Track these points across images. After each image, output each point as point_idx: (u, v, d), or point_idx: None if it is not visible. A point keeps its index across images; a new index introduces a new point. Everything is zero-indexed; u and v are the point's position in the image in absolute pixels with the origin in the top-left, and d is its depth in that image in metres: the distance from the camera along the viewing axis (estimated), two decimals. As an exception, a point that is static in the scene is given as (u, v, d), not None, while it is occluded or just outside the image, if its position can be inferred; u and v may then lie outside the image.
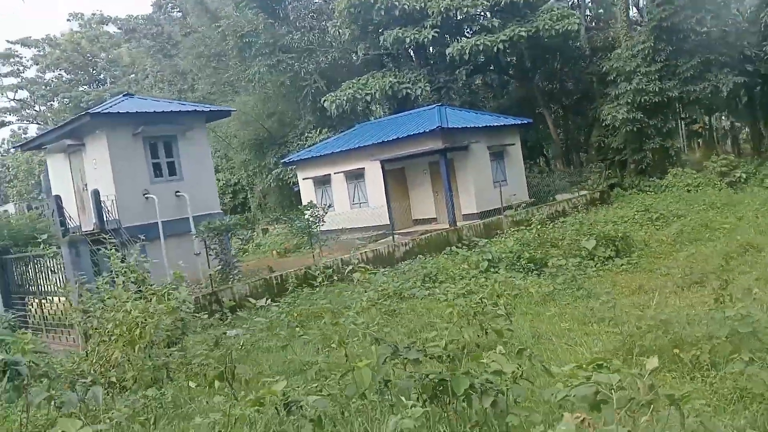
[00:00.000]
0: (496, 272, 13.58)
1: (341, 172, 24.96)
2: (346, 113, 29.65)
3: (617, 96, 26.55)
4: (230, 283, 14.31)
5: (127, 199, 17.35)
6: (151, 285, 7.60)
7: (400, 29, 25.63)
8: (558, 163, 31.38)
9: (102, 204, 16.58)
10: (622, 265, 13.58)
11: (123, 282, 7.56)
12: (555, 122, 31.19)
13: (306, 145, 31.88)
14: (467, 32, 28.68)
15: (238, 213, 35.46)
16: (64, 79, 61.31)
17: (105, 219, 16.62)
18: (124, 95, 19.60)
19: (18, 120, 63.35)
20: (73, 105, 56.38)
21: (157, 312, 6.67)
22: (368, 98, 26.53)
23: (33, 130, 64.21)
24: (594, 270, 13.20)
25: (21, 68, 60.85)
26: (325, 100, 27.69)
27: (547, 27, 25.12)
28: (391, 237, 21.90)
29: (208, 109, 19.88)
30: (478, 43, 24.39)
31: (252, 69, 31.21)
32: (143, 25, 46.54)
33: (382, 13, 25.74)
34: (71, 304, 9.48)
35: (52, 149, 18.70)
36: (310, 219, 17.64)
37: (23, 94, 61.16)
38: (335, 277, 14.82)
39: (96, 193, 16.55)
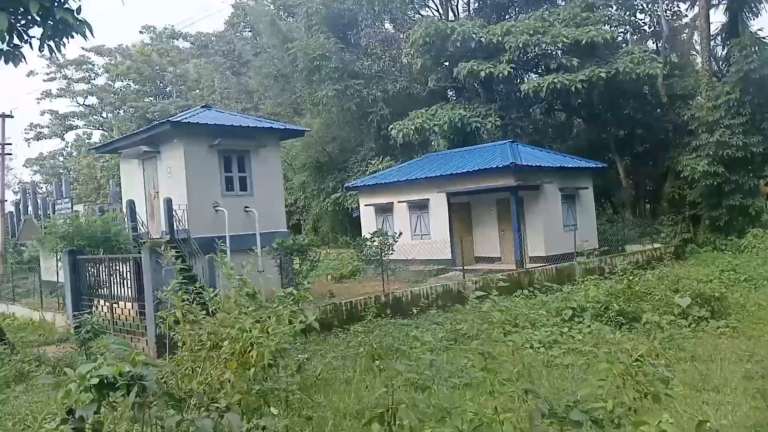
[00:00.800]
0: (581, 322, 12.76)
1: (405, 201, 24.46)
2: (410, 143, 29.37)
3: (697, 147, 25.47)
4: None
5: (198, 210, 17.20)
6: (262, 301, 7.10)
7: (475, 62, 25.28)
8: (626, 213, 30.19)
9: (174, 213, 16.44)
10: (718, 327, 12.53)
11: (235, 295, 7.08)
12: (625, 169, 30.13)
13: (367, 172, 31.67)
14: (540, 70, 28.19)
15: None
16: (131, 89, 63.38)
17: (175, 228, 16.46)
18: (202, 107, 19.68)
19: (85, 125, 65.55)
20: (139, 115, 58.10)
21: (278, 333, 6.17)
22: (436, 129, 26.08)
23: (96, 137, 66.46)
24: (690, 330, 12.21)
25: (92, 75, 63.20)
26: (392, 128, 27.44)
27: (627, 70, 24.38)
28: (452, 272, 21.22)
29: (284, 127, 19.77)
30: (556, 81, 23.80)
31: (320, 92, 31.33)
32: (215, 42, 47.73)
33: (458, 45, 25.47)
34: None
35: (127, 154, 18.80)
36: (380, 246, 17.10)
37: (92, 100, 63.38)
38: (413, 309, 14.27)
39: (169, 202, 16.43)
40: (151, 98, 63.00)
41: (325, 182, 35.61)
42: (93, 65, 62.37)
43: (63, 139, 65.39)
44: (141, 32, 64.06)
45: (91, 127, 65.79)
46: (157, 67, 62.95)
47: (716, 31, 31.09)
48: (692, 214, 27.77)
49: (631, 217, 30.33)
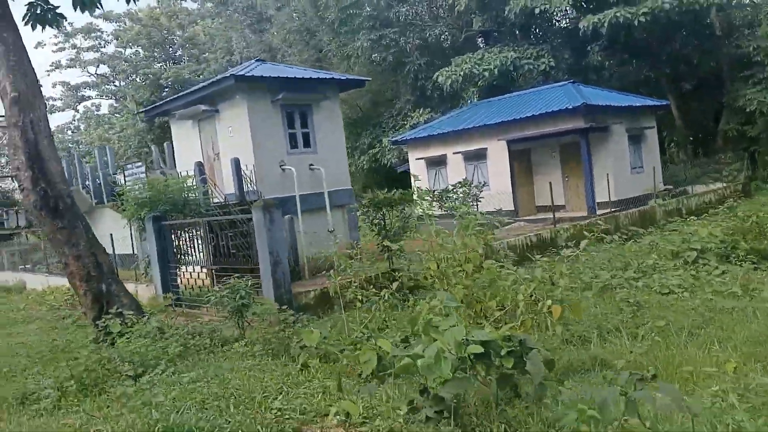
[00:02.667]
0: (706, 264, 11.91)
1: (459, 152, 23.42)
2: (447, 94, 28.09)
3: (761, 80, 24.15)
4: (391, 261, 13.00)
5: (265, 169, 16.29)
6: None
7: (529, -1, 23.76)
8: (681, 152, 29.03)
9: (242, 173, 15.56)
10: None
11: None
12: (678, 108, 28.82)
13: (407, 126, 30.52)
14: (594, 5, 26.38)
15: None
16: (141, 56, 61.58)
17: (245, 189, 15.61)
18: (256, 60, 18.52)
19: (97, 95, 64.16)
20: (151, 81, 56.63)
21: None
22: (486, 73, 24.78)
23: (105, 107, 65.13)
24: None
25: (101, 43, 61.38)
26: (438, 76, 26.16)
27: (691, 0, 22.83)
28: (517, 223, 20.36)
29: (345, 78, 18.64)
30: (618, 15, 22.34)
31: (353, 44, 29.92)
32: (235, -2, 45.87)
33: (510, -20, 23.93)
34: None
35: (182, 115, 17.77)
36: (466, 197, 16.19)
37: (103, 69, 61.78)
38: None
39: (237, 162, 15.53)
40: (161, 64, 61.31)
41: (360, 139, 34.46)
42: (102, 32, 60.55)
43: (77, 111, 64.13)
44: (147, -6, 61.85)
45: (104, 97, 64.38)
46: (165, 31, 61.03)
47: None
48: (753, 150, 26.65)
49: (686, 157, 29.22)
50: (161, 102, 18.96)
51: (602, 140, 20.96)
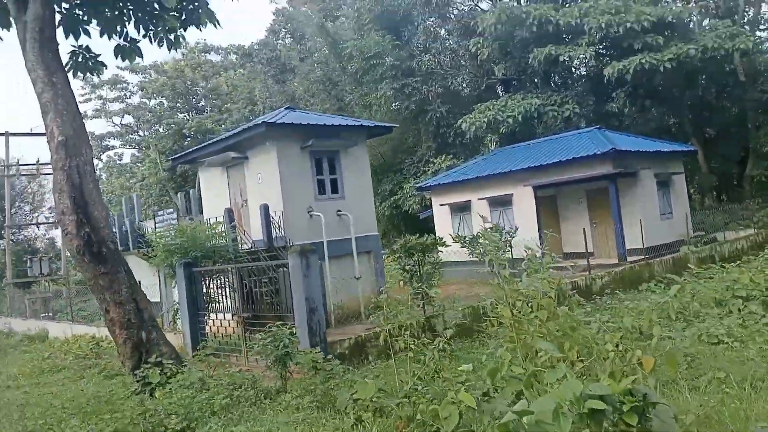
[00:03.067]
0: (751, 312, 11.45)
1: (485, 198, 23.28)
2: (473, 139, 28.21)
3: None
4: (424, 308, 12.71)
5: (293, 215, 16.22)
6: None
7: (552, 46, 24.02)
8: (706, 198, 28.65)
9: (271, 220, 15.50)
10: None
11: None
12: (703, 153, 28.60)
13: (428, 172, 30.60)
14: (618, 52, 26.61)
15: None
16: (164, 106, 63.08)
17: (273, 235, 15.52)
18: (286, 108, 18.75)
19: (121, 145, 65.52)
20: (174, 131, 57.89)
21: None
22: (510, 120, 24.87)
23: (127, 157, 66.40)
24: None
25: (127, 94, 63.08)
26: (461, 122, 26.29)
27: (716, 46, 22.91)
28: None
29: (373, 125, 18.73)
30: (643, 61, 22.44)
31: (374, 93, 30.35)
32: (258, 50, 47.07)
33: (534, 29, 24.23)
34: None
35: (212, 162, 17.89)
36: (495, 243, 15.88)
37: (127, 119, 63.25)
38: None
39: (266, 208, 15.50)
40: (183, 114, 62.74)
41: (381, 185, 34.56)
42: (127, 84, 62.33)
43: (101, 161, 65.39)
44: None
45: (128, 146, 65.74)
46: (189, 82, 62.66)
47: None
48: (783, 196, 26.23)
49: (712, 203, 28.82)
50: (190, 150, 19.17)
51: (631, 186, 20.73)
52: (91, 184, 8.96)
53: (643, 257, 19.62)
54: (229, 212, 15.67)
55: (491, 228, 17.19)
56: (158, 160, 58.64)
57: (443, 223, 25.12)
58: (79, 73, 10.99)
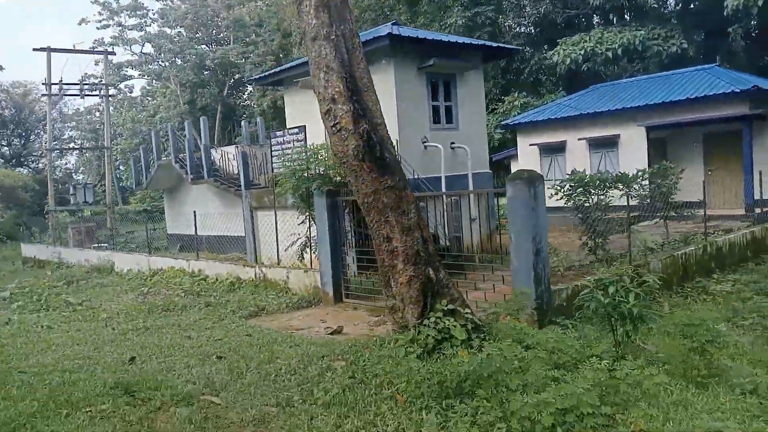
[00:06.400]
0: None
1: (584, 138, 21.04)
2: (575, 72, 25.59)
3: None
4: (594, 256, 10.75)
5: (409, 146, 14.08)
6: None
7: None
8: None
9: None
10: None
11: None
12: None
13: (500, 111, 28.22)
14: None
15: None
16: (184, 36, 59.58)
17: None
18: (392, 23, 16.25)
19: (140, 75, 62.49)
20: (197, 62, 54.98)
21: None
22: (609, 54, 22.36)
23: (138, 89, 63.39)
24: None
25: (147, 21, 59.59)
26: (554, 54, 23.74)
27: None
28: (655, 220, 17.97)
29: (495, 45, 16.32)
30: (775, -10, 19.81)
31: (449, 20, 27.62)
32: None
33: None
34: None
35: (306, 83, 15.56)
36: (667, 185, 13.83)
37: (148, 48, 59.99)
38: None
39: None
40: (203, 45, 59.50)
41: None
42: (148, 11, 58.84)
43: (119, 90, 62.53)
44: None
45: (146, 77, 62.69)
46: (211, 11, 59.09)
47: None
48: None
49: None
50: (280, 68, 16.81)
51: (760, 129, 18.51)
52: (362, 64, 6.84)
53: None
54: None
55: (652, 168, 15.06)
56: (178, 92, 56.15)
57: (529, 164, 22.92)
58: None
